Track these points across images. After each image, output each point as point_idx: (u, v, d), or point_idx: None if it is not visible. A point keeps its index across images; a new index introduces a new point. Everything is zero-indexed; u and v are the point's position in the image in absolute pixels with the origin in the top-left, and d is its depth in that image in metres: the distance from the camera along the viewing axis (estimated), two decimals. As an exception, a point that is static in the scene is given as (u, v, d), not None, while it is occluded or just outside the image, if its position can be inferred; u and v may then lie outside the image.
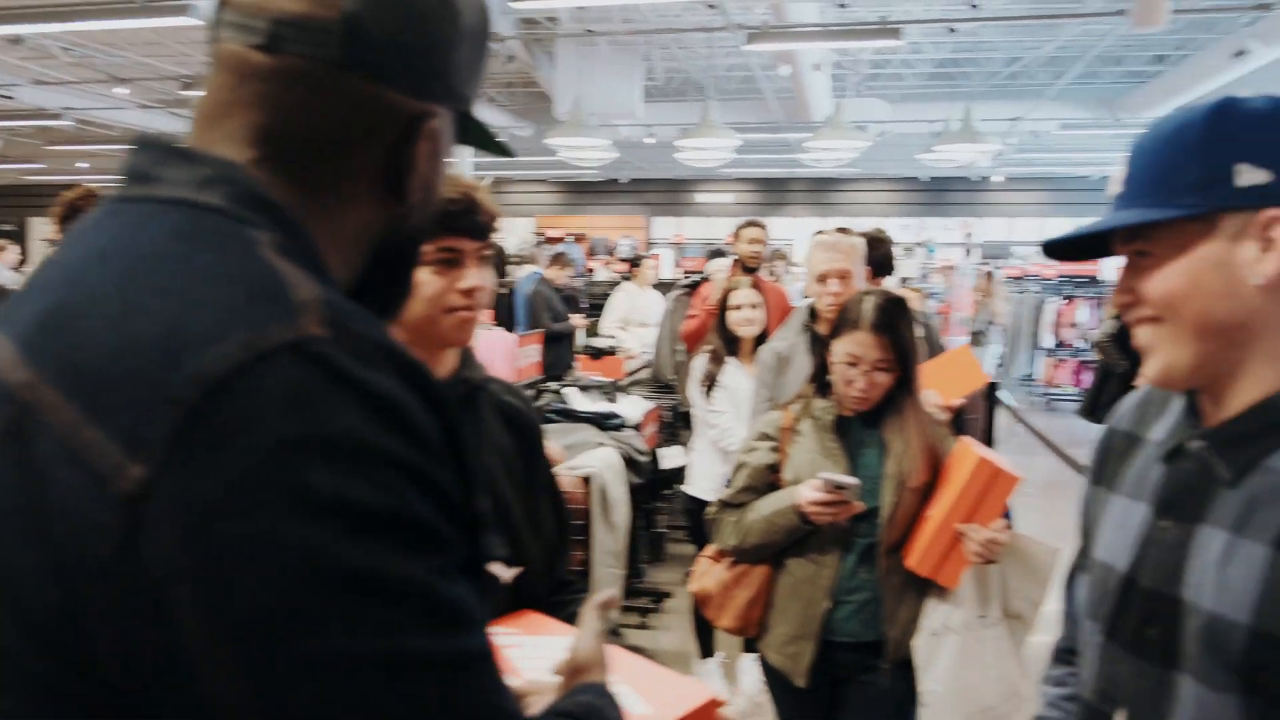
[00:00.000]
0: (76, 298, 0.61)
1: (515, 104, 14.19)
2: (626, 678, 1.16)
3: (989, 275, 12.51)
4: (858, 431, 2.20)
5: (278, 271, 0.62)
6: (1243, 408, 0.95)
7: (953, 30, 10.20)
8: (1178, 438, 1.03)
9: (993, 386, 4.39)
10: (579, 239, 19.01)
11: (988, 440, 4.62)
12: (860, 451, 2.19)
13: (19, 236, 20.48)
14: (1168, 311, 0.94)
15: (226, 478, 0.54)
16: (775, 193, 19.42)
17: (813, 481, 2.07)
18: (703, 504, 3.82)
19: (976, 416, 5.18)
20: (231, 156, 0.68)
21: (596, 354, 5.14)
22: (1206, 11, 8.95)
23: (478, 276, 1.36)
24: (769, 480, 2.24)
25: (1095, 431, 1.23)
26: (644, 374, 5.93)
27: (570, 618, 1.43)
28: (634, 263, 7.81)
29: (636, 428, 4.25)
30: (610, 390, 4.56)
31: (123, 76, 11.54)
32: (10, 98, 12.11)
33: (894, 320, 2.14)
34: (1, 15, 7.76)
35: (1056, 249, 1.08)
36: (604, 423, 4.09)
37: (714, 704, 1.14)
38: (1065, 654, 1.28)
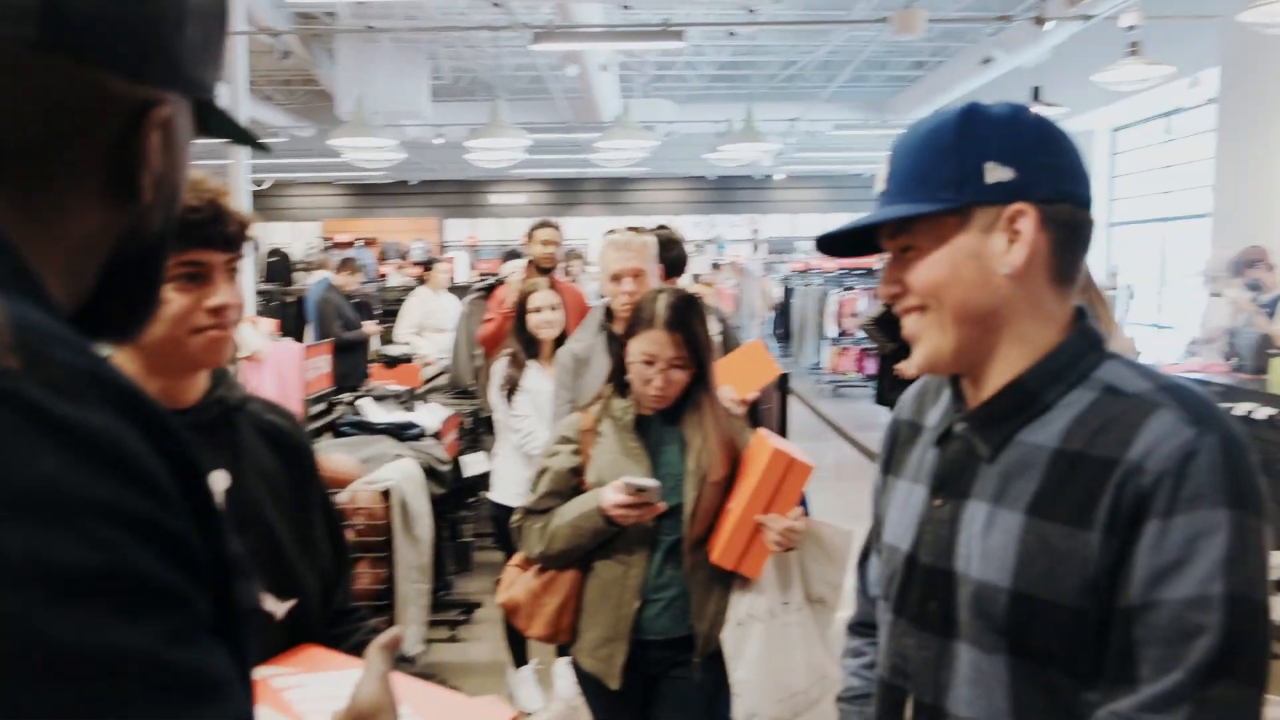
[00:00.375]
0: None
1: (294, 102, 13.57)
2: (418, 709, 1.11)
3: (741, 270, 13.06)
4: (658, 430, 2.21)
5: None
6: (996, 390, 1.01)
7: (732, 34, 10.58)
8: (946, 422, 1.09)
9: (784, 377, 4.56)
10: (369, 243, 18.42)
11: (782, 429, 4.79)
12: (661, 450, 2.20)
13: None
14: (931, 300, 1.00)
15: None
16: (568, 193, 19.52)
17: (614, 484, 2.06)
18: (509, 510, 3.73)
19: (770, 407, 5.37)
20: None
21: (391, 362, 4.96)
22: (956, 21, 9.68)
23: (228, 293, 1.25)
24: (572, 484, 2.21)
25: (882, 415, 1.29)
26: (442, 381, 5.79)
27: (356, 648, 1.34)
28: (427, 266, 7.60)
29: (436, 436, 4.13)
30: (407, 399, 4.41)
31: None
32: None
33: (687, 318, 2.14)
34: None
35: (828, 245, 1.13)
36: (402, 433, 3.95)
37: None
38: (860, 627, 1.33)
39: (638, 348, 2.13)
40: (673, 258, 3.57)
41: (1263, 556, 0.88)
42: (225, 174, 9.05)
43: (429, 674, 1.37)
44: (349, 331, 7.06)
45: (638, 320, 2.15)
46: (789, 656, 2.14)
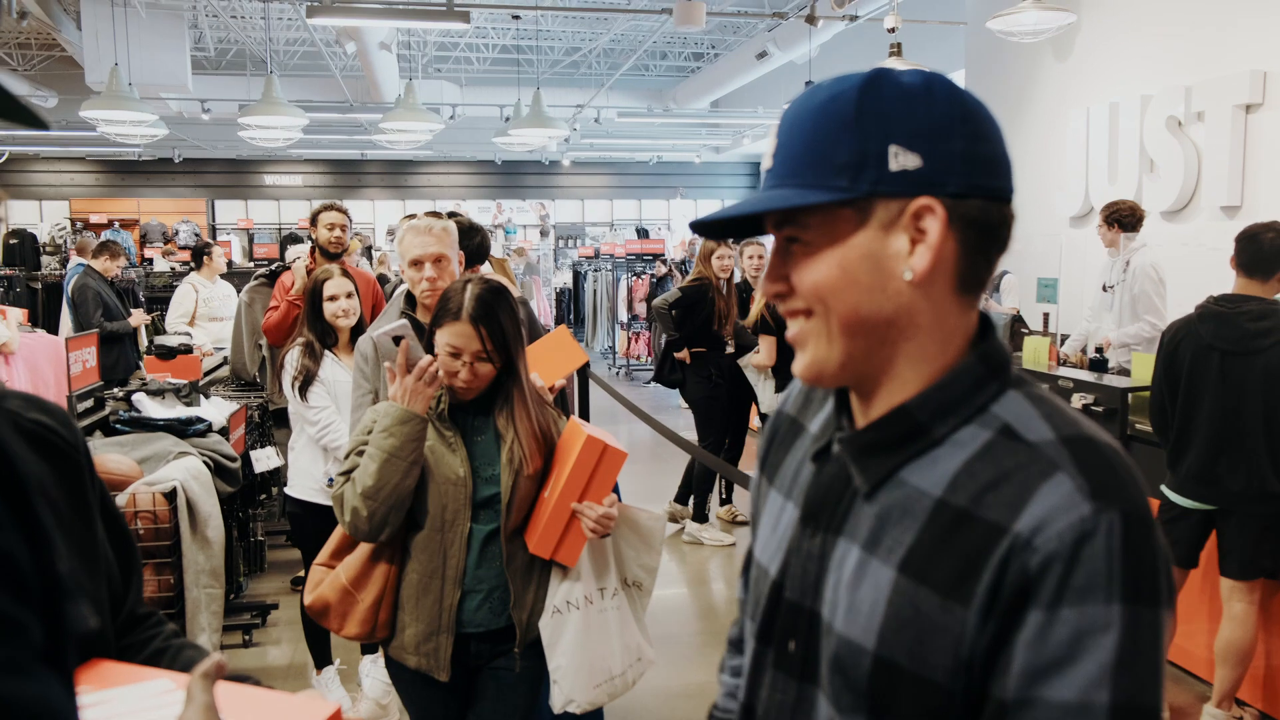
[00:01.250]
0: None
1: (34, 69, 12.31)
2: (238, 714, 1.07)
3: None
4: (471, 419, 2.20)
5: None
6: (883, 412, 0.87)
7: (516, 17, 10.51)
8: (826, 437, 0.95)
9: (584, 365, 4.63)
10: (127, 225, 17.04)
11: (583, 412, 4.86)
12: (475, 439, 2.19)
13: None
14: (818, 304, 0.85)
15: None
16: (349, 174, 18.80)
17: (385, 365, 2.08)
18: (307, 505, 3.61)
19: (569, 390, 5.44)
20: None
21: (168, 353, 4.63)
22: (734, 16, 10.06)
23: None
24: None
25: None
26: (223, 373, 5.47)
27: (152, 656, 1.27)
28: (200, 251, 7.13)
29: (223, 432, 3.91)
30: (188, 392, 4.14)
31: None
32: None
33: (493, 310, 2.13)
34: None
35: (705, 229, 0.96)
36: (185, 429, 3.70)
37: (338, 717, 1.09)
38: (738, 644, 1.18)
39: (442, 339, 2.11)
40: (474, 245, 3.53)
41: (1158, 655, 0.76)
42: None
43: (245, 676, 1.29)
44: (113, 322, 6.53)
45: (443, 311, 2.12)
46: (606, 642, 2.19)
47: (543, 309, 14.11)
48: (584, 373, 4.95)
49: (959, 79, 7.17)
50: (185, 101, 11.65)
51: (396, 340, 2.01)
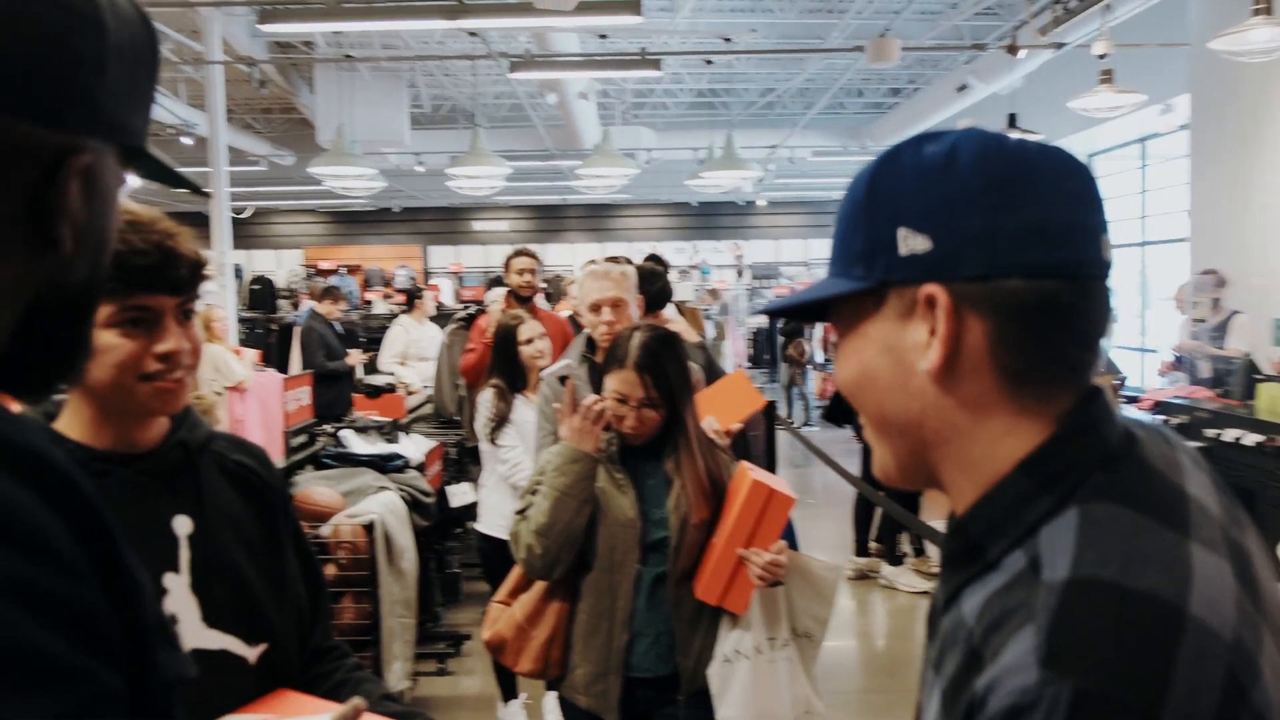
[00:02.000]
0: None
1: (274, 130, 13.57)
2: None
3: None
4: (643, 462, 2.21)
5: None
6: (954, 526, 0.78)
7: (709, 62, 10.67)
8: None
9: (770, 405, 4.57)
10: (352, 270, 18.39)
11: (770, 457, 4.79)
12: (646, 482, 2.20)
13: None
14: (853, 402, 0.79)
15: None
16: (551, 219, 19.58)
17: (555, 406, 2.09)
18: (496, 542, 3.73)
19: (758, 434, 5.38)
20: None
21: (374, 392, 4.94)
22: (930, 50, 9.80)
23: (179, 337, 1.20)
24: None
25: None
26: (426, 410, 5.77)
27: (335, 688, 1.33)
28: (413, 295, 7.61)
29: (420, 468, 4.11)
30: (390, 430, 4.39)
31: None
32: None
33: (659, 358, 2.15)
34: None
35: (780, 314, 0.92)
36: (385, 465, 3.93)
37: None
38: None
39: (610, 385, 2.15)
40: (655, 291, 3.57)
41: None
42: (205, 203, 9.05)
43: (413, 712, 1.35)
44: (333, 361, 7.04)
45: (611, 358, 2.18)
46: (776, 693, 2.13)
47: (737, 350, 14.10)
48: (770, 415, 4.89)
49: (1184, 104, 6.69)
50: (402, 155, 12.52)
51: (562, 380, 2.06)
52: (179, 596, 1.22)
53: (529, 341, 3.65)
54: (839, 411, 5.84)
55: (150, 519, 1.23)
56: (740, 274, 19.01)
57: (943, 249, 0.71)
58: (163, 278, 1.17)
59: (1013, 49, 7.59)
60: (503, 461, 3.67)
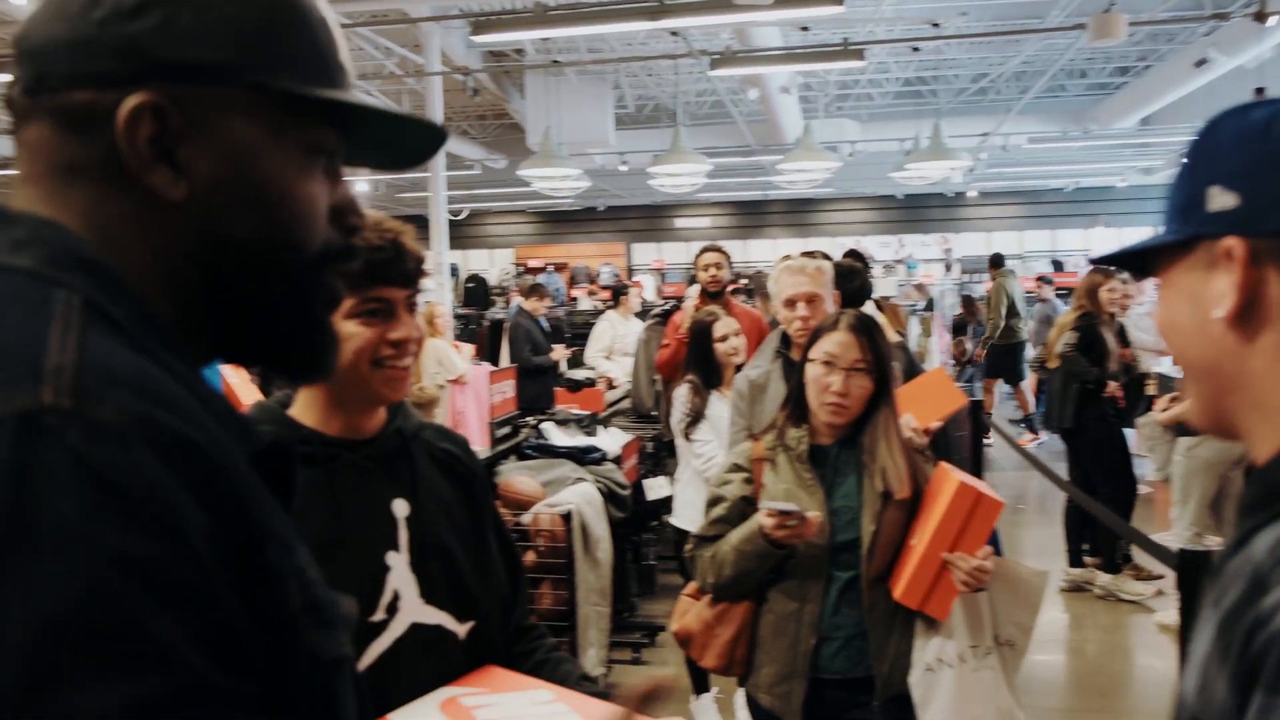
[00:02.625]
0: None
1: (488, 136, 14.22)
2: None
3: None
4: (834, 460, 2.16)
5: (43, 336, 0.55)
6: (1253, 476, 0.81)
7: (916, 50, 10.30)
8: None
9: (976, 405, 4.36)
10: (559, 268, 19.02)
11: (975, 459, 4.59)
12: (836, 480, 2.14)
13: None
14: (1168, 348, 0.87)
15: None
16: (752, 215, 19.51)
17: (760, 514, 2.04)
18: (688, 535, 3.76)
19: (964, 434, 5.16)
20: (46, 213, 0.63)
21: (575, 386, 5.09)
22: (1163, 23, 9.05)
23: (408, 326, 1.31)
24: (744, 512, 2.18)
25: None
26: (625, 404, 5.88)
27: (535, 667, 1.38)
28: (619, 291, 7.81)
29: (617, 461, 4.19)
30: (589, 423, 4.51)
31: None
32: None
33: (871, 325, 2.12)
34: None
35: (1109, 262, 0.99)
36: (583, 457, 4.03)
37: None
38: None
39: (819, 351, 2.10)
40: (853, 289, 3.49)
41: None
42: (425, 206, 9.61)
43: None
44: (538, 356, 7.31)
45: (819, 332, 2.14)
46: (981, 704, 2.03)
47: (943, 345, 13.56)
48: (977, 416, 4.68)
49: None
50: (607, 155, 12.82)
51: (785, 514, 2.01)
52: (400, 574, 1.31)
53: (724, 339, 3.65)
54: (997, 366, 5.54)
55: (374, 501, 1.32)
56: (949, 268, 18.27)
57: (1249, 205, 0.77)
58: (396, 271, 1.28)
59: (1261, 16, 6.88)
60: (697, 456, 3.69)
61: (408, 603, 1.30)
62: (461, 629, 1.33)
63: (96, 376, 0.54)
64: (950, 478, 2.05)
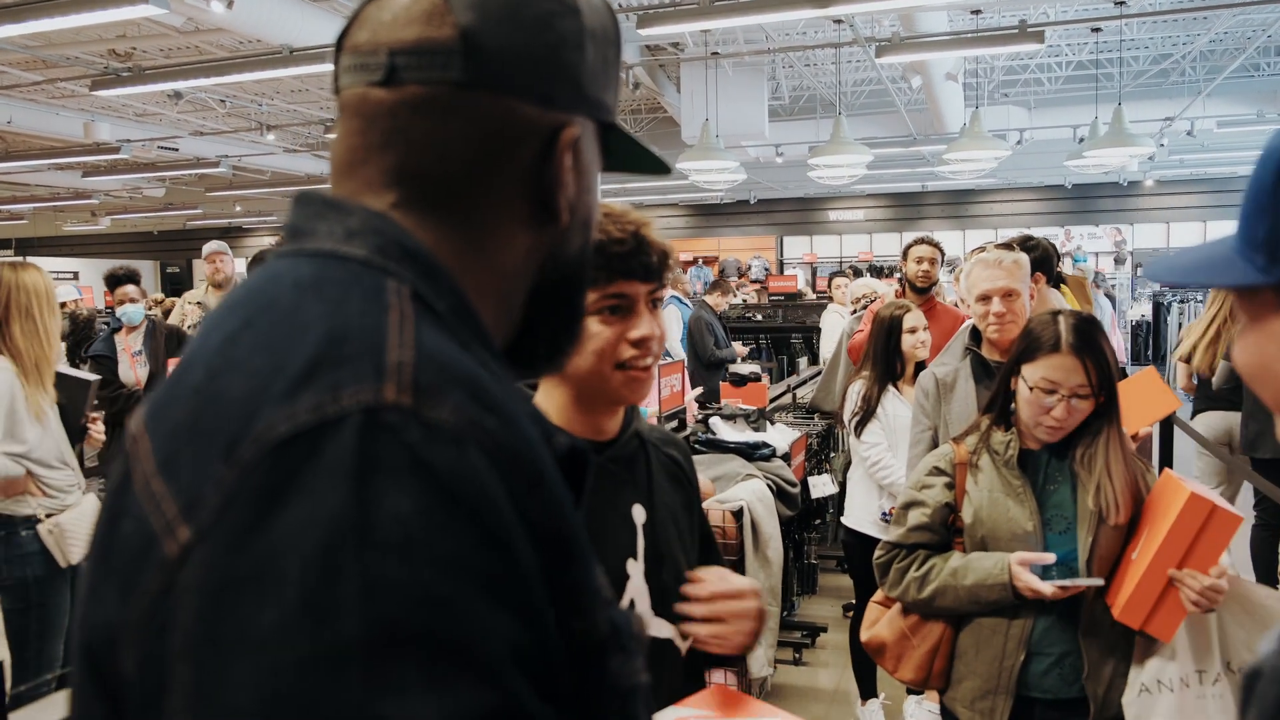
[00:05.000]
0: (194, 350, 0.60)
1: (643, 129, 14.30)
2: None
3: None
4: (1044, 466, 2.02)
5: (382, 327, 0.55)
6: None
7: (1096, 30, 9.74)
8: None
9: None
10: (708, 261, 19.00)
11: (1167, 467, 4.27)
12: (1048, 489, 2.00)
13: (185, 278, 21.86)
14: (1251, 385, 0.74)
15: (258, 553, 0.47)
16: (908, 207, 18.98)
17: (1044, 585, 1.88)
18: (860, 536, 3.65)
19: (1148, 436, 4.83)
20: (376, 205, 0.63)
21: (740, 381, 5.01)
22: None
23: (650, 324, 1.22)
24: (945, 520, 2.07)
25: None
26: (785, 400, 5.78)
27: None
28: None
29: (785, 457, 4.11)
30: (757, 418, 4.43)
31: (271, 124, 12.16)
32: (174, 149, 12.92)
33: (1094, 340, 1.94)
34: (162, 73, 8.26)
35: (1174, 284, 0.86)
36: (752, 453, 3.96)
37: None
38: None
39: (1036, 374, 1.94)
40: (1035, 260, 3.31)
41: None
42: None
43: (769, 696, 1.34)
44: (722, 350, 7.37)
45: (1035, 345, 1.97)
46: (1203, 733, 1.87)
47: (1116, 345, 12.84)
48: (1167, 419, 4.35)
49: None
50: (762, 148, 12.68)
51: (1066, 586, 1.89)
52: (636, 584, 1.26)
53: (912, 331, 3.52)
54: None
55: (617, 506, 1.27)
56: (1120, 261, 17.28)
57: None
58: (638, 264, 1.21)
59: None
60: (864, 459, 3.58)
61: (641, 614, 1.24)
62: (684, 645, 1.27)
63: (434, 374, 0.54)
64: (1180, 488, 1.88)
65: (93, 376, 3.70)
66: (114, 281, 5.00)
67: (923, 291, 4.27)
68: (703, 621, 1.23)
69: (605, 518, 1.26)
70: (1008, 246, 2.89)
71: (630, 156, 0.78)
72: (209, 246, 6.06)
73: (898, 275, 4.54)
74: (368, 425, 0.50)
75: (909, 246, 4.41)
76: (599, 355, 1.21)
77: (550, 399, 1.28)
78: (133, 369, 4.87)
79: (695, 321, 7.47)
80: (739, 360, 7.54)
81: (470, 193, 0.64)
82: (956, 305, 4.46)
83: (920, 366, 3.56)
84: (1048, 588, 1.87)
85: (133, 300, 4.92)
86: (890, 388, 3.55)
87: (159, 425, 0.57)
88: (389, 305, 0.56)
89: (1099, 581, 1.85)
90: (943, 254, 4.44)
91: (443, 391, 0.53)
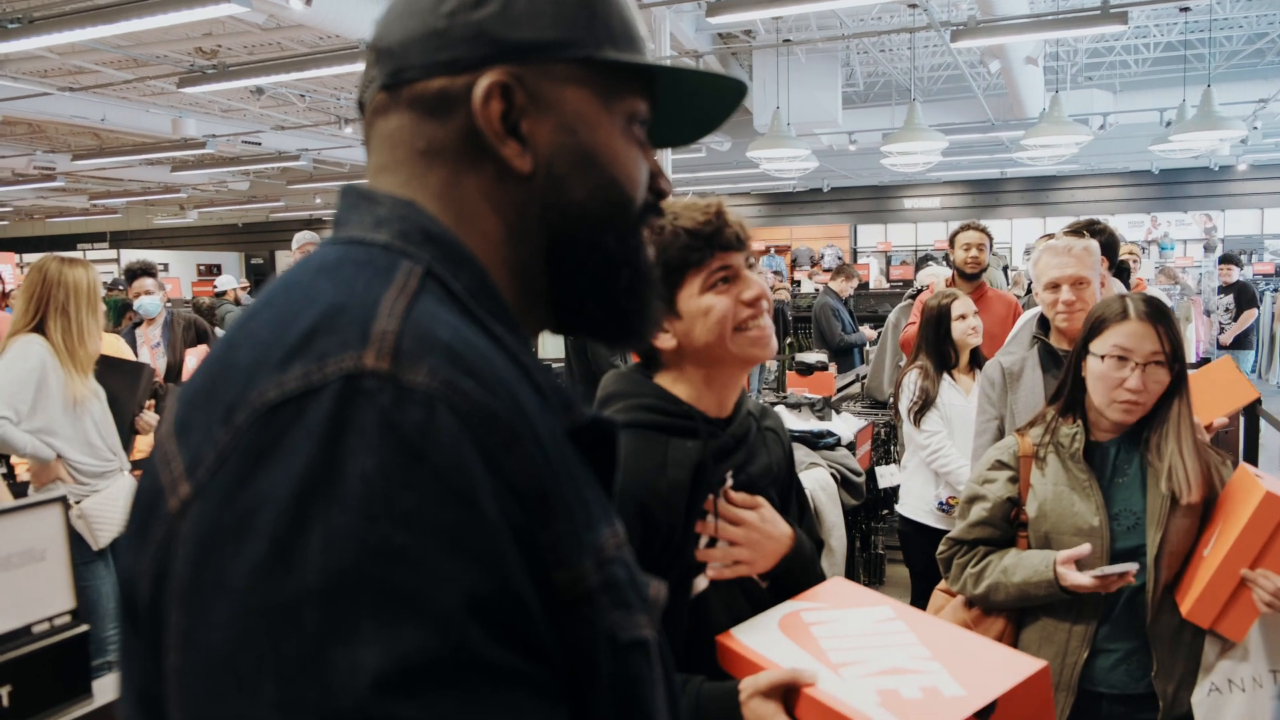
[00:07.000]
0: (230, 327, 0.65)
1: (714, 119, 14.22)
2: (939, 653, 1.13)
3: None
4: (1112, 459, 1.96)
5: (378, 300, 0.58)
6: None
7: (1186, 9, 9.39)
8: None
9: (1255, 400, 3.90)
10: (780, 250, 18.84)
11: (1251, 460, 4.13)
12: (1116, 483, 1.95)
13: (268, 269, 22.50)
14: None
15: (240, 507, 0.52)
16: (987, 194, 18.54)
17: (1080, 577, 1.84)
18: (915, 525, 3.62)
19: (1232, 430, 4.67)
20: (403, 194, 0.68)
21: (806, 370, 4.98)
22: None
23: (755, 285, 1.35)
24: (1009, 515, 2.03)
25: None
26: (854, 390, 5.73)
27: None
28: (840, 272, 7.78)
29: (850, 446, 4.08)
30: (821, 407, 4.41)
31: (350, 117, 12.41)
32: (257, 144, 13.28)
33: (1164, 310, 1.89)
34: (245, 69, 8.50)
35: None
36: (816, 441, 3.94)
37: (1045, 674, 1.09)
38: None
39: (1107, 343, 1.89)
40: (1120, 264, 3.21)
41: None
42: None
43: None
44: (850, 335, 7.45)
45: (1102, 320, 1.93)
46: (1275, 735, 1.81)
47: (1200, 336, 12.39)
48: (1253, 409, 4.20)
49: None
50: (834, 135, 12.53)
51: (1105, 576, 1.84)
52: None
53: (962, 318, 3.46)
54: None
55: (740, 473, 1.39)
56: (1209, 249, 16.64)
57: None
58: (728, 235, 1.34)
59: None
60: (923, 448, 3.53)
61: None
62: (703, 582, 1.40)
63: (416, 340, 0.56)
64: (1255, 483, 1.81)
65: (144, 362, 3.82)
66: (131, 275, 5.18)
67: (972, 278, 4.20)
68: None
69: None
70: (1077, 233, 2.82)
71: (691, 93, 0.78)
72: (300, 237, 6.22)
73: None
74: (346, 390, 0.53)
75: (955, 233, 4.36)
76: (721, 323, 1.31)
77: (679, 376, 1.37)
78: (152, 360, 5.02)
79: (821, 308, 7.54)
80: (868, 345, 7.57)
81: (442, 173, 0.68)
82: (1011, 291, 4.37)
83: (975, 353, 3.51)
84: (1085, 578, 1.83)
85: (149, 293, 5.07)
86: (945, 376, 3.50)
87: (183, 393, 0.62)
88: (392, 282, 0.60)
89: (1134, 567, 1.80)
90: (991, 239, 4.37)
91: (420, 356, 0.55)
